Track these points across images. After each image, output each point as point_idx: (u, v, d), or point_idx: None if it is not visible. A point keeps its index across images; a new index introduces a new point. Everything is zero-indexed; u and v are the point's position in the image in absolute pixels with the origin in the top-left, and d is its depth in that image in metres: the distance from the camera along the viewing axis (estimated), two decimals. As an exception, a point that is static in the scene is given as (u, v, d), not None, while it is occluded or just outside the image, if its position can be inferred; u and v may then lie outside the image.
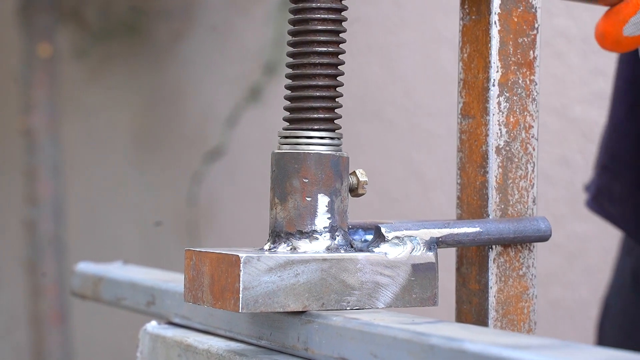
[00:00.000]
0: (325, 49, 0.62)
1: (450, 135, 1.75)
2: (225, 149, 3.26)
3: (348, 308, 0.59)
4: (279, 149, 0.62)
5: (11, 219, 4.41)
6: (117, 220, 3.92)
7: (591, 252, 1.80)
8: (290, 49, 0.63)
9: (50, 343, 3.10)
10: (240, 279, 0.56)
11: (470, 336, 0.49)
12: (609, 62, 1.72)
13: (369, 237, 0.63)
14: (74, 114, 3.96)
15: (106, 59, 3.96)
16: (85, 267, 0.82)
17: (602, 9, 0.73)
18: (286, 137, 0.62)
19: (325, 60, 0.62)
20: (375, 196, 2.08)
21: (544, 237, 0.66)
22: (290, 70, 0.63)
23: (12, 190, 4.38)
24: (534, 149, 0.67)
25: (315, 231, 0.61)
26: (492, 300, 0.65)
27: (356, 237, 0.63)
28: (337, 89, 0.63)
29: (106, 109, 3.96)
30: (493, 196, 0.65)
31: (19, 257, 3.51)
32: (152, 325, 0.71)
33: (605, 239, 1.71)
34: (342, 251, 0.61)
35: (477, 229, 0.63)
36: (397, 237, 0.62)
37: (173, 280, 0.74)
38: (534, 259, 0.66)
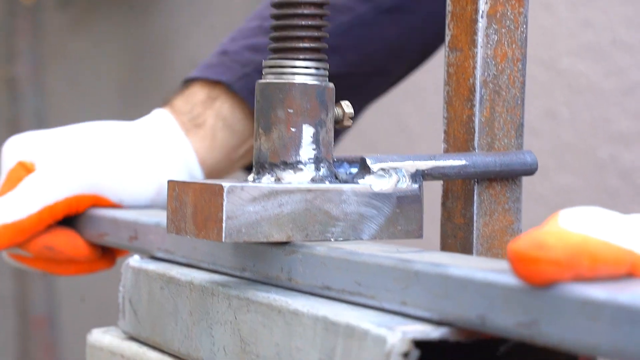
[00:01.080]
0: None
1: (437, 89, 1.74)
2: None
3: (332, 239, 0.59)
4: (263, 79, 0.61)
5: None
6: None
7: (576, 204, 1.81)
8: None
9: (34, 294, 3.11)
10: (224, 208, 0.56)
11: (455, 262, 0.49)
12: (598, 14, 1.72)
13: (354, 170, 0.62)
14: (58, 63, 3.94)
15: (91, 7, 3.94)
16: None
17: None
18: (271, 67, 0.61)
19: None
20: (362, 150, 2.07)
21: (530, 171, 0.65)
22: (275, -1, 0.62)
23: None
24: (521, 83, 0.66)
25: (299, 162, 0.60)
26: (477, 233, 0.64)
27: (341, 169, 0.62)
28: (324, 18, 0.62)
29: (91, 59, 3.95)
30: (480, 130, 0.64)
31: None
32: (135, 260, 0.71)
33: (590, 191, 1.72)
34: (327, 182, 0.60)
35: (463, 162, 0.63)
36: (383, 169, 0.61)
37: (156, 215, 0.74)
38: (519, 193, 0.66)
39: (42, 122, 3.16)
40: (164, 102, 0.90)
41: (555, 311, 0.41)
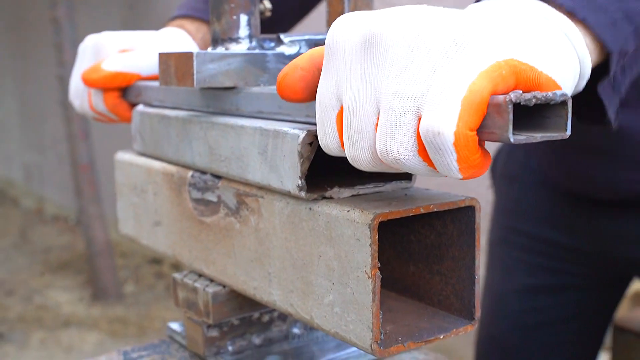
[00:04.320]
0: None
1: None
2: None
3: (261, 85, 0.59)
4: (212, -14, 0.60)
5: (49, 75, 4.27)
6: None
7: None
8: None
9: (81, 151, 3.08)
10: (194, 66, 0.55)
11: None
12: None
13: (272, 44, 0.62)
14: (84, 9, 3.80)
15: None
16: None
17: None
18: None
19: None
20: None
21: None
22: None
23: (48, 57, 4.22)
24: (374, -12, 0.66)
25: (239, 37, 0.60)
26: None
27: (265, 43, 0.62)
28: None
29: (104, 6, 3.82)
30: (349, 17, 0.64)
31: (56, 99, 3.43)
32: (141, 107, 0.70)
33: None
34: (257, 50, 0.60)
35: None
36: (291, 41, 0.61)
37: (151, 82, 0.73)
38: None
39: (75, 46, 3.07)
40: (172, 24, 0.86)
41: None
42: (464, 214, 0.47)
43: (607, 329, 1.02)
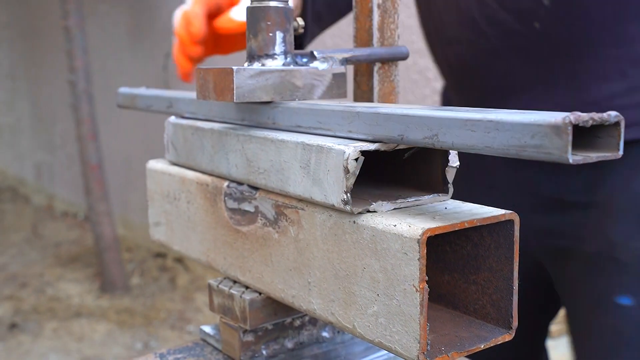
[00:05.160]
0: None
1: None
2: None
3: (297, 99, 0.57)
4: (250, 5, 0.57)
5: (60, 80, 4.23)
6: (122, 82, 3.78)
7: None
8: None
9: (90, 152, 3.04)
10: (234, 82, 0.53)
11: (382, 105, 0.47)
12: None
13: (305, 59, 0.60)
14: (92, 18, 3.76)
15: (107, -21, 3.75)
16: (124, 89, 0.77)
17: None
18: (255, -4, 0.58)
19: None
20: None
21: (405, 57, 0.64)
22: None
23: (59, 63, 4.18)
24: (397, 6, 0.64)
25: (275, 54, 0.57)
26: (376, 95, 0.63)
27: (298, 59, 0.60)
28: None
29: (111, 15, 3.77)
30: (375, 34, 0.62)
31: (67, 102, 3.39)
32: (173, 118, 0.68)
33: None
34: (292, 66, 0.58)
35: (368, 53, 0.61)
36: (323, 57, 0.59)
37: (180, 94, 0.70)
38: (398, 70, 0.64)
39: (85, 52, 3.04)
40: None
41: (449, 127, 0.40)
42: (503, 226, 0.45)
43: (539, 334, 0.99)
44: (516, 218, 0.45)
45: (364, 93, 0.65)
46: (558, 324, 1.77)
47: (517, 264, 0.45)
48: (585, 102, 0.79)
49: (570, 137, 0.34)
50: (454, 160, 0.48)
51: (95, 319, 2.86)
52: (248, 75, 0.54)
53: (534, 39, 0.79)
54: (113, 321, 2.83)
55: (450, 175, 0.49)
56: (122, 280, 3.16)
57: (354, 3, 0.64)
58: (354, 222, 0.45)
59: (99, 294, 3.12)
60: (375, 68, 0.63)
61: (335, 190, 0.46)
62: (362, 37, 0.63)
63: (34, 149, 5.04)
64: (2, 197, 5.10)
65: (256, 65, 0.57)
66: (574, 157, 0.34)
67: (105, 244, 3.10)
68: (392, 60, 0.64)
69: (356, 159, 0.45)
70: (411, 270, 0.41)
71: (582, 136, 0.37)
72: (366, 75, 0.64)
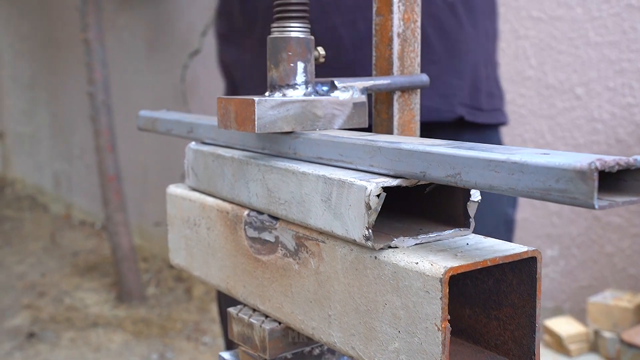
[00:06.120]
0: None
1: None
2: (201, 50, 3.17)
3: (317, 129, 0.57)
4: (271, 35, 0.58)
5: (80, 92, 4.27)
6: (140, 93, 3.81)
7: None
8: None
9: (108, 163, 3.05)
10: (255, 112, 0.53)
11: (404, 140, 0.47)
12: None
13: (326, 88, 0.60)
14: (111, 31, 3.79)
15: (126, -7, 3.78)
16: (145, 112, 0.77)
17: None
18: (277, 27, 0.58)
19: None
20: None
21: (425, 85, 0.63)
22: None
23: (79, 75, 4.22)
24: (418, 35, 0.64)
25: (296, 84, 0.57)
26: (395, 124, 0.63)
27: (318, 87, 0.60)
28: (305, -5, 0.58)
29: (130, 27, 3.80)
30: (396, 63, 0.62)
31: (85, 114, 3.42)
32: (193, 144, 0.68)
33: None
34: (313, 96, 0.58)
35: (388, 82, 0.61)
36: (344, 87, 0.59)
37: (200, 118, 0.70)
38: (418, 98, 0.64)
39: (104, 64, 3.07)
40: None
41: (471, 167, 0.40)
42: (525, 263, 0.45)
43: None
44: (539, 255, 0.44)
45: (383, 121, 0.64)
46: (577, 343, 1.75)
47: (540, 301, 0.45)
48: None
49: (596, 183, 0.33)
50: (475, 195, 0.48)
51: (112, 328, 2.87)
52: (269, 106, 0.54)
53: None
54: (129, 331, 2.84)
55: (472, 210, 0.48)
56: (138, 290, 3.17)
57: (373, 32, 0.64)
58: (376, 257, 0.45)
59: (116, 304, 3.13)
60: (395, 96, 0.63)
61: (356, 226, 0.46)
62: (382, 65, 0.63)
63: (52, 159, 5.09)
64: (21, 206, 5.15)
65: (277, 95, 0.57)
66: (600, 203, 0.34)
67: (122, 253, 3.12)
68: (412, 88, 0.64)
69: (378, 195, 0.45)
70: (433, 309, 0.41)
71: (607, 178, 0.36)
72: (386, 103, 0.64)
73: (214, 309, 3.04)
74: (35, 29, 5.05)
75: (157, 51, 3.60)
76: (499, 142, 1.00)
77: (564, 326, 1.83)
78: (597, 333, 1.76)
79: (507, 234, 0.97)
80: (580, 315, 2.07)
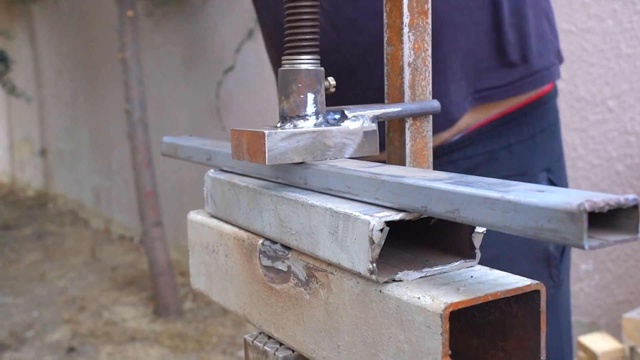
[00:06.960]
0: (308, 10, 0.59)
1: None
2: (235, 67, 3.21)
3: (328, 159, 0.58)
4: (282, 68, 0.59)
5: (117, 109, 4.36)
6: (176, 110, 3.87)
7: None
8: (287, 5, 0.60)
9: (144, 179, 3.12)
10: (266, 145, 0.54)
11: (406, 174, 0.48)
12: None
13: (337, 116, 0.61)
14: (148, 49, 3.87)
15: (164, 16, 3.85)
16: (168, 139, 0.80)
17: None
18: (287, 60, 0.59)
19: (308, 13, 0.59)
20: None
21: (436, 112, 0.64)
22: (287, 17, 0.60)
23: (116, 93, 4.31)
24: (428, 63, 0.64)
25: (307, 115, 0.58)
26: (408, 152, 0.63)
27: (329, 117, 0.61)
28: (315, 26, 0.60)
29: (166, 46, 3.87)
30: (407, 91, 0.63)
31: (123, 131, 3.49)
32: (212, 171, 0.70)
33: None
34: (323, 126, 0.59)
35: (399, 109, 0.61)
36: (354, 116, 0.60)
37: (221, 146, 0.72)
38: (430, 126, 0.65)
39: (141, 82, 3.13)
40: None
41: (469, 204, 0.40)
42: (529, 296, 0.45)
43: None
44: (542, 288, 0.45)
45: (396, 149, 0.65)
46: (610, 360, 1.72)
47: (545, 334, 0.45)
48: None
49: (585, 224, 0.34)
50: (480, 227, 0.48)
51: (149, 343, 2.91)
52: (280, 138, 0.55)
53: None
54: (166, 346, 2.88)
55: (477, 241, 0.49)
56: (175, 305, 3.21)
57: (385, 61, 0.65)
58: (380, 291, 0.46)
59: (153, 318, 3.18)
60: (407, 125, 0.64)
61: (361, 259, 0.47)
62: (394, 94, 0.64)
63: (92, 174, 5.20)
64: (63, 221, 5.27)
65: (288, 126, 0.58)
66: (591, 243, 0.34)
67: (159, 268, 3.16)
68: (423, 114, 0.64)
69: (381, 230, 0.45)
70: (434, 344, 0.41)
71: (600, 217, 0.37)
72: (398, 131, 0.64)
73: (249, 324, 3.06)
74: (75, 48, 5.18)
75: (192, 68, 3.66)
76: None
77: (599, 342, 1.80)
78: (632, 350, 1.72)
79: (548, 269, 0.93)
80: (616, 330, 2.03)
